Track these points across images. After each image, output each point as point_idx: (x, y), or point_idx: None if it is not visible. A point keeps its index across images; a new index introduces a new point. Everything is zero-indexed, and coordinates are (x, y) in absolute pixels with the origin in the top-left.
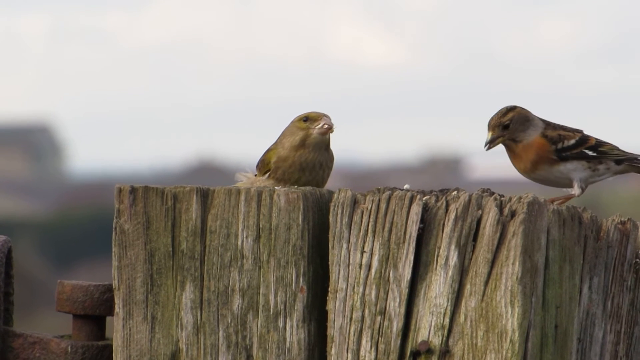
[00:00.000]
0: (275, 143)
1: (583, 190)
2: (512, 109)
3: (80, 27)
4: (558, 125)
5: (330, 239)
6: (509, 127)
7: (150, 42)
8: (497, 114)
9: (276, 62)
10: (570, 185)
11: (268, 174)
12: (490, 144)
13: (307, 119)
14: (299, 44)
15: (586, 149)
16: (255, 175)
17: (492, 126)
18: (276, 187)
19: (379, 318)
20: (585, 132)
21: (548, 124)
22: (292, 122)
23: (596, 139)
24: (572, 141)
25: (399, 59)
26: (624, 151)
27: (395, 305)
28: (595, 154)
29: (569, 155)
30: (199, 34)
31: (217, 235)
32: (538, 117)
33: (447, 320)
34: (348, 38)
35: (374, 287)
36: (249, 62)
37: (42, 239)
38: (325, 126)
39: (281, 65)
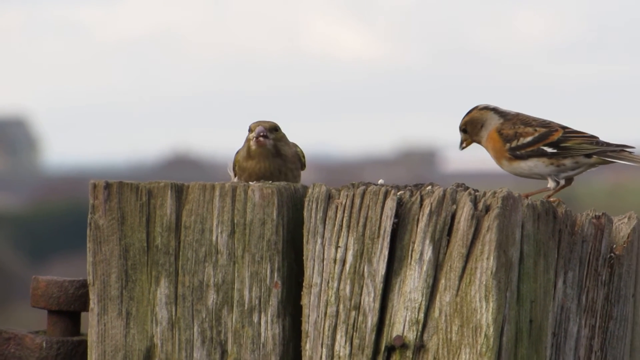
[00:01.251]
0: (240, 148)
1: (558, 183)
2: (468, 112)
3: (55, 20)
4: (529, 119)
5: (305, 234)
6: (466, 130)
7: (126, 35)
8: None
9: (252, 56)
10: (544, 179)
11: (237, 178)
12: (461, 145)
13: (250, 129)
14: (275, 37)
15: (546, 145)
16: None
17: (461, 132)
18: (250, 183)
19: (353, 313)
20: (572, 128)
21: (509, 119)
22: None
23: (566, 132)
24: (529, 138)
25: (374, 52)
26: (599, 142)
27: (370, 300)
28: (556, 151)
29: (525, 154)
30: (174, 28)
31: (192, 231)
32: (501, 113)
33: (421, 315)
34: (324, 31)
35: (348, 282)
36: (224, 56)
37: (17, 232)
38: (260, 138)
39: (257, 59)
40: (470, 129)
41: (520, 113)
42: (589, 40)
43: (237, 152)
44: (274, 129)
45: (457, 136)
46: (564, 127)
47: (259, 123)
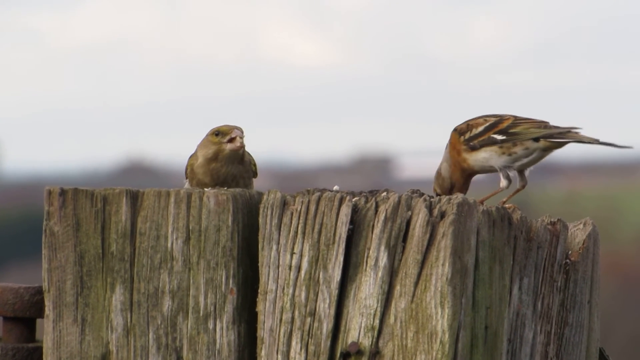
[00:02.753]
0: (194, 152)
1: (510, 180)
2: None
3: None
4: (483, 115)
5: (260, 240)
6: (440, 187)
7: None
8: None
9: (206, 62)
10: (497, 177)
11: (187, 181)
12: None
13: (219, 133)
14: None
15: (495, 133)
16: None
17: None
18: (206, 189)
19: (308, 319)
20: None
21: (466, 120)
22: (206, 136)
23: (517, 119)
24: (480, 128)
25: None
26: (548, 127)
27: (325, 307)
28: (505, 137)
29: (477, 144)
30: (128, 35)
31: (147, 237)
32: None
33: (377, 321)
34: (279, 38)
35: (303, 288)
36: (178, 63)
37: None
38: (238, 142)
39: (211, 65)
40: (440, 183)
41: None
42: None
43: (191, 156)
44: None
45: (413, 142)
46: (515, 116)
47: (231, 127)
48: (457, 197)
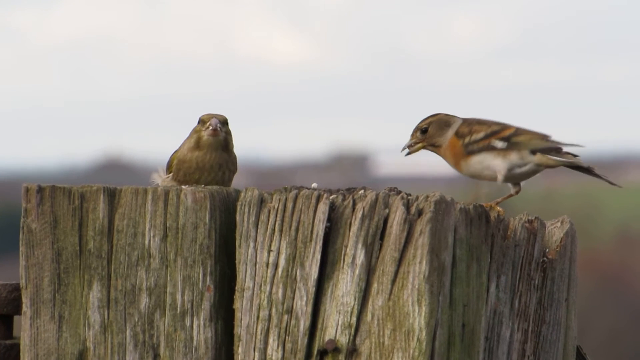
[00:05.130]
0: (180, 145)
1: (505, 176)
2: (433, 115)
3: None
4: (484, 120)
5: (237, 237)
6: (427, 131)
7: (59, 39)
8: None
9: (184, 59)
10: (495, 179)
11: (171, 175)
12: (409, 148)
13: (200, 121)
14: (207, 40)
15: (497, 139)
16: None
17: (412, 131)
18: (183, 186)
19: (286, 317)
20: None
21: (467, 122)
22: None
23: (519, 129)
24: (481, 134)
25: (307, 56)
26: (551, 142)
27: (302, 304)
28: (505, 145)
29: (476, 148)
30: (107, 31)
31: (124, 235)
32: (462, 118)
33: (354, 319)
34: (256, 34)
35: (280, 285)
36: (157, 59)
37: None
38: (210, 128)
39: (189, 62)
40: (434, 130)
41: (476, 117)
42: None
43: (176, 151)
44: (225, 122)
45: (390, 140)
46: (517, 127)
47: (211, 115)
48: (435, 194)
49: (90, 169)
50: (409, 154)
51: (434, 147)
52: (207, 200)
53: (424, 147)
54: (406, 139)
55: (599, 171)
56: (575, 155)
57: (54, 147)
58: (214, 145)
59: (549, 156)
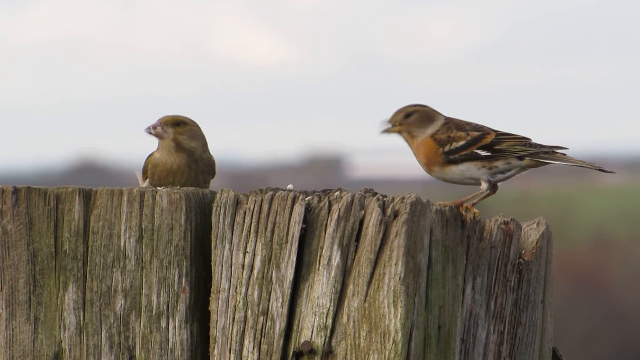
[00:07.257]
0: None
1: (491, 183)
2: (421, 105)
3: None
4: (463, 124)
5: (213, 239)
6: (411, 116)
7: (33, 40)
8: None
9: (159, 60)
10: (477, 184)
11: (147, 180)
12: (387, 129)
13: None
14: (182, 41)
15: (479, 148)
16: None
17: (394, 113)
18: (159, 188)
19: (261, 318)
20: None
21: (447, 124)
22: None
23: (498, 134)
24: (462, 142)
25: (282, 57)
26: (532, 144)
27: (278, 306)
28: (489, 153)
29: (458, 158)
30: (81, 33)
31: (100, 236)
32: (445, 118)
33: (329, 320)
34: (231, 36)
35: (256, 287)
36: (131, 60)
37: None
38: (152, 132)
39: (164, 63)
40: (416, 120)
41: (454, 118)
42: (500, 43)
43: (151, 154)
44: (175, 122)
45: (365, 141)
46: (495, 130)
47: (166, 117)
48: (410, 196)
49: (65, 171)
50: (384, 132)
51: (410, 135)
52: (183, 201)
53: (399, 132)
54: (381, 140)
55: (590, 163)
56: (563, 152)
57: (27, 149)
58: (165, 147)
59: (538, 159)
